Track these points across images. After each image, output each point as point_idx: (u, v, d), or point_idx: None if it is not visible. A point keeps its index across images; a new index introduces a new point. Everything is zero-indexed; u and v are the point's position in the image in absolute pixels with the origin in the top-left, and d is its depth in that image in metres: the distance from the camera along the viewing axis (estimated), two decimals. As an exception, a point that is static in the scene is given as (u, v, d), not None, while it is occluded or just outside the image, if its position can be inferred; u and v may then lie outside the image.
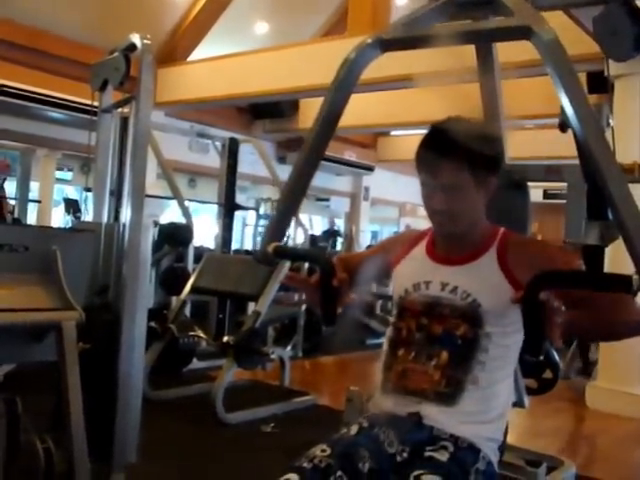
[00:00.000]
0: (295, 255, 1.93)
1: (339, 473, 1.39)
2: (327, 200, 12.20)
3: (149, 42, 2.52)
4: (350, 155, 10.11)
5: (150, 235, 2.72)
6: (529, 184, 1.98)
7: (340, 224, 12.83)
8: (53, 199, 8.39)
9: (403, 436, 1.47)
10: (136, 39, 2.54)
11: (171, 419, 3.71)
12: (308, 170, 1.82)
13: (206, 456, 3.19)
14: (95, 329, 2.58)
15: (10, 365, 3.74)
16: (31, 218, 8.18)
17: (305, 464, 1.40)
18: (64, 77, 6.20)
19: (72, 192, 9.32)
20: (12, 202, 8.17)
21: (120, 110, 2.88)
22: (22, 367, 3.66)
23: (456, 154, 1.46)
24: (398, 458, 1.45)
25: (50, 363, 2.14)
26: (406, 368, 1.53)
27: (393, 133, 10.89)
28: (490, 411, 1.49)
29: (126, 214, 2.55)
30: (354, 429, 1.54)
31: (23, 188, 8.24)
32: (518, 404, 2.04)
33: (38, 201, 8.30)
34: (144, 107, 2.48)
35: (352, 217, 11.74)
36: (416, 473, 1.36)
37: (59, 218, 8.63)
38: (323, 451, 1.44)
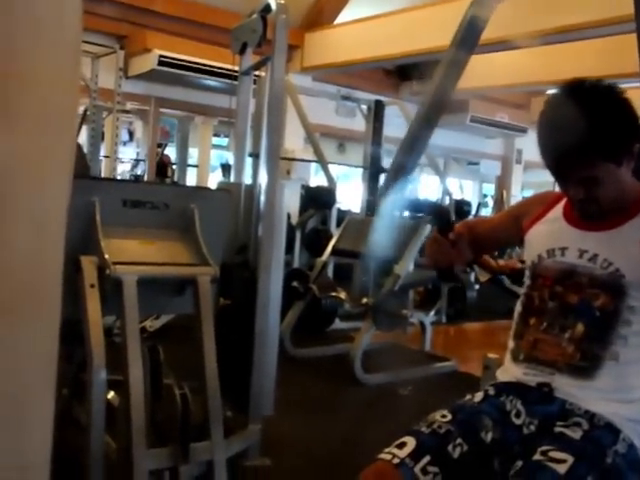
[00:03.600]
0: (411, 206, 1.87)
1: (459, 440, 1.33)
2: (477, 164, 11.79)
3: (283, 2, 2.53)
4: (502, 116, 9.63)
5: (290, 197, 2.77)
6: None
7: (490, 189, 12.37)
8: (210, 164, 8.84)
9: (531, 407, 1.39)
10: (271, 0, 2.55)
11: (310, 376, 3.81)
12: (428, 125, 1.73)
13: (341, 414, 3.25)
14: (234, 286, 2.69)
15: (165, 318, 4.04)
16: (190, 182, 8.70)
17: (423, 428, 1.36)
18: (218, 45, 6.44)
19: (231, 157, 9.77)
20: (172, 167, 8.75)
21: (258, 73, 2.92)
22: (177, 319, 3.94)
23: (587, 148, 1.31)
24: (525, 430, 1.37)
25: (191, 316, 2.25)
26: (537, 338, 1.43)
27: (549, 92, 10.21)
28: (632, 390, 1.35)
29: (263, 175, 2.61)
30: (479, 396, 1.47)
31: (182, 154, 8.75)
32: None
33: (196, 166, 8.79)
34: (278, 67, 2.50)
35: (503, 181, 11.24)
36: (544, 448, 1.27)
37: (216, 182, 9.11)
38: (443, 416, 1.39)
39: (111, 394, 2.22)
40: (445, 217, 1.54)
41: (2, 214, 1.19)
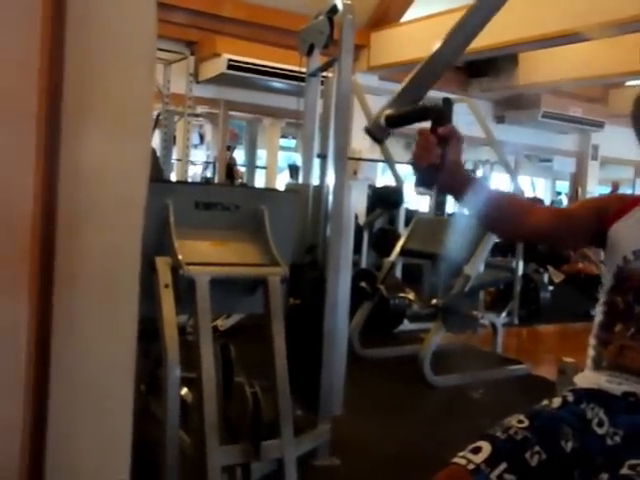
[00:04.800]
0: (406, 116, 1.63)
1: (537, 448, 1.27)
2: (550, 160, 11.44)
3: (349, 2, 2.53)
4: (575, 111, 9.32)
5: (357, 197, 2.77)
6: None
7: (564, 186, 12.00)
8: (278, 165, 8.93)
9: (616, 417, 1.31)
10: (337, 0, 2.56)
11: (379, 377, 3.79)
12: (445, 57, 1.66)
13: (410, 416, 3.22)
14: (303, 286, 2.72)
15: (235, 317, 4.11)
16: (258, 183, 8.82)
17: (499, 434, 1.31)
18: (285, 48, 6.52)
19: (298, 158, 9.87)
20: (242, 169, 8.89)
21: (325, 74, 2.93)
22: (247, 319, 4.00)
23: None
24: (608, 441, 1.29)
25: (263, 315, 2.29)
26: (624, 345, 1.35)
27: (628, 83, 9.80)
28: None
29: (331, 176, 2.62)
30: (557, 402, 1.41)
31: (250, 155, 8.89)
32: None
33: (264, 167, 8.90)
34: (345, 68, 2.51)
35: (578, 178, 10.87)
36: (632, 462, 1.20)
37: (284, 183, 9.20)
38: (520, 422, 1.34)
39: (185, 391, 2.28)
40: (439, 112, 1.35)
41: (82, 217, 1.25)
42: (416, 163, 1.33)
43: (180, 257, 2.01)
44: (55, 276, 1.17)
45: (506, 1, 1.66)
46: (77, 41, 1.21)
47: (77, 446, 1.19)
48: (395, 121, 1.57)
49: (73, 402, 1.18)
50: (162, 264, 2.01)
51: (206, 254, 2.11)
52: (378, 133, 1.62)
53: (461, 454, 1.28)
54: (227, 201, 2.20)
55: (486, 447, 1.27)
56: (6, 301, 1.21)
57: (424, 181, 1.36)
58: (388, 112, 1.55)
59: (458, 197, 1.40)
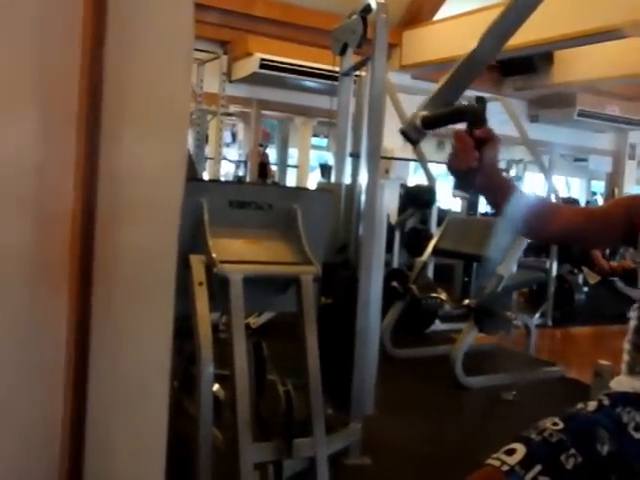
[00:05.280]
0: (442, 118, 1.60)
1: (572, 451, 1.26)
2: (585, 160, 11.25)
3: (383, 1, 2.52)
4: (612, 109, 9.15)
5: (390, 197, 2.77)
6: None
7: (600, 186, 11.79)
8: (309, 164, 8.95)
9: (652, 422, 1.30)
10: (371, 0, 2.56)
11: (410, 377, 3.78)
12: (483, 55, 1.63)
13: (442, 416, 3.20)
14: (335, 285, 2.72)
15: (267, 315, 4.14)
16: (290, 182, 8.85)
17: (533, 435, 1.30)
18: (318, 47, 6.53)
19: (330, 157, 9.89)
20: (273, 168, 8.94)
21: (358, 73, 2.93)
22: (278, 317, 4.02)
23: None
24: None
25: (295, 314, 2.30)
26: None
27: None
28: None
29: (363, 175, 2.62)
30: (592, 405, 1.39)
31: (282, 154, 8.92)
32: None
33: (296, 166, 8.93)
34: (379, 67, 2.50)
35: (614, 178, 10.68)
36: None
37: (315, 182, 9.22)
38: (555, 424, 1.32)
39: (217, 387, 2.30)
40: (475, 113, 1.32)
41: (120, 216, 1.27)
42: (453, 166, 1.30)
43: (214, 255, 2.03)
44: (94, 276, 1.19)
45: (543, -1, 1.63)
46: (117, 42, 1.23)
47: (114, 446, 1.21)
48: (431, 123, 1.56)
49: (111, 402, 1.20)
50: (196, 262, 2.03)
51: (240, 252, 2.13)
52: (414, 135, 1.60)
53: (495, 455, 1.27)
54: (260, 200, 2.21)
55: (520, 449, 1.26)
56: (46, 301, 1.24)
57: (462, 184, 1.34)
58: (424, 113, 1.53)
59: (494, 200, 1.39)
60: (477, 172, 1.29)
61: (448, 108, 1.57)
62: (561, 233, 1.46)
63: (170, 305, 1.27)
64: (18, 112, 1.23)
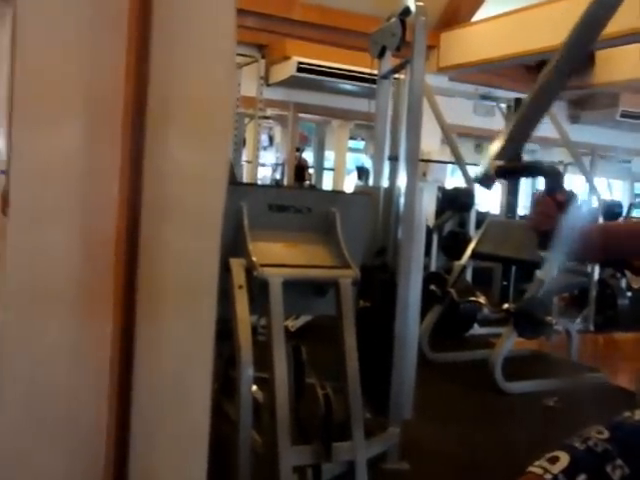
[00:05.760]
0: (519, 170, 1.64)
1: (619, 462, 1.22)
2: (629, 161, 11.01)
3: (422, 4, 2.51)
4: (657, 109, 8.94)
5: (428, 199, 2.76)
6: None
7: (643, 188, 11.52)
8: (346, 167, 8.95)
9: None
10: (410, 2, 2.55)
11: (449, 381, 3.75)
12: (555, 85, 1.59)
13: (481, 422, 3.16)
14: (373, 288, 2.71)
15: (304, 319, 4.15)
16: (326, 185, 8.85)
17: (577, 444, 1.27)
18: (355, 50, 6.53)
19: (366, 160, 9.88)
20: (310, 170, 8.96)
21: (397, 76, 2.92)
22: (315, 320, 4.03)
23: None
24: None
25: (333, 317, 2.30)
26: None
27: None
28: None
29: (402, 178, 2.61)
30: (639, 414, 1.36)
31: (319, 157, 8.94)
32: None
33: (332, 169, 8.93)
34: (418, 70, 2.49)
35: (660, 180, 10.42)
36: None
37: (352, 185, 9.21)
38: (600, 433, 1.29)
39: (256, 390, 2.31)
40: (556, 176, 1.39)
41: (165, 219, 1.29)
42: (536, 228, 1.37)
43: (254, 259, 2.04)
44: (138, 280, 1.21)
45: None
46: (161, 48, 1.25)
47: (157, 450, 1.23)
48: (506, 173, 1.60)
49: (154, 406, 1.21)
50: (236, 265, 2.05)
51: (279, 256, 2.14)
52: (487, 182, 1.63)
53: (537, 463, 1.25)
54: (299, 204, 2.22)
55: (564, 457, 1.23)
56: (91, 306, 1.26)
57: (543, 244, 1.39)
58: (499, 163, 1.55)
59: (585, 255, 1.43)
60: (557, 231, 1.34)
61: (526, 163, 1.62)
62: (626, 250, 1.47)
63: (213, 309, 1.28)
64: (65, 119, 1.26)
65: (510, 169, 1.58)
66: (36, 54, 1.25)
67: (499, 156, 1.55)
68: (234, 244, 2.09)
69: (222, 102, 1.28)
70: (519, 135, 1.67)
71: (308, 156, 9.26)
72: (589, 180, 6.39)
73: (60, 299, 1.27)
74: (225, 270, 2.06)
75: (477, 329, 4.84)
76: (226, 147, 1.34)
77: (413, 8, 2.56)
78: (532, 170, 1.53)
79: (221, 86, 1.29)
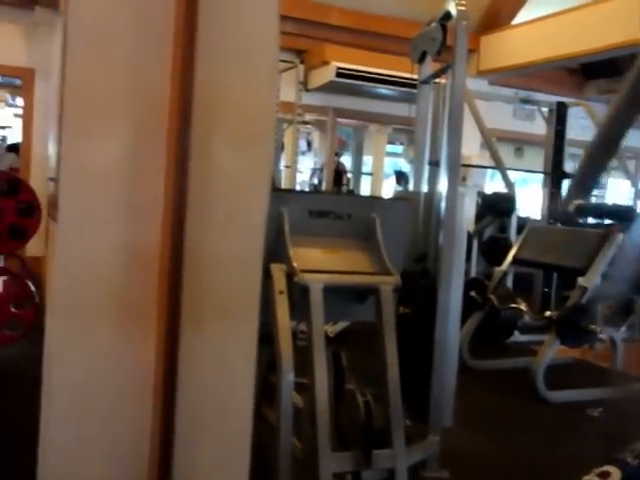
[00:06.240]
0: (599, 211, 1.63)
1: None
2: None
3: (464, 8, 2.49)
4: None
5: (468, 205, 2.73)
6: None
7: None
8: (384, 172, 8.92)
9: None
10: (451, 7, 2.53)
11: (489, 389, 3.69)
12: (625, 118, 1.56)
13: (522, 431, 3.11)
14: (413, 295, 2.69)
15: (343, 324, 4.14)
16: (364, 189, 8.84)
17: (629, 459, 1.24)
18: (394, 54, 6.51)
19: (404, 165, 9.84)
20: (348, 175, 8.96)
21: (437, 80, 2.91)
22: (353, 326, 4.02)
23: None
24: None
25: (372, 323, 2.29)
26: None
27: None
28: None
29: (443, 183, 2.59)
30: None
31: (357, 162, 8.93)
32: None
33: (370, 174, 8.92)
34: (459, 74, 2.47)
35: None
36: None
37: (390, 189, 9.18)
38: (652, 448, 1.26)
39: (294, 394, 2.31)
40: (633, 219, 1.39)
41: (209, 224, 1.30)
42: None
43: (295, 264, 2.05)
44: (183, 284, 1.22)
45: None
46: (206, 56, 1.26)
47: (201, 455, 1.24)
48: (585, 213, 1.59)
49: (198, 411, 1.23)
50: (277, 271, 2.05)
51: (319, 262, 2.14)
52: (568, 219, 1.63)
53: (587, 477, 1.22)
54: (340, 210, 2.22)
55: (615, 473, 1.21)
56: (136, 310, 1.28)
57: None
58: (579, 202, 1.54)
59: None
60: None
61: (609, 206, 1.61)
62: None
63: (255, 314, 1.28)
64: (113, 128, 1.28)
65: (590, 209, 1.57)
66: (85, 64, 1.28)
67: (576, 193, 1.53)
68: (275, 250, 2.10)
69: (265, 109, 1.29)
70: (593, 170, 1.65)
71: (346, 161, 9.26)
72: (634, 184, 6.26)
73: (106, 302, 1.29)
74: (266, 276, 2.07)
75: (518, 336, 4.77)
76: (269, 153, 1.35)
77: (454, 13, 2.54)
78: (613, 213, 1.51)
79: (264, 93, 1.29)
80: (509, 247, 4.70)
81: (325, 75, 6.82)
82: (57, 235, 1.28)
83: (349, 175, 8.98)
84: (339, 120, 7.97)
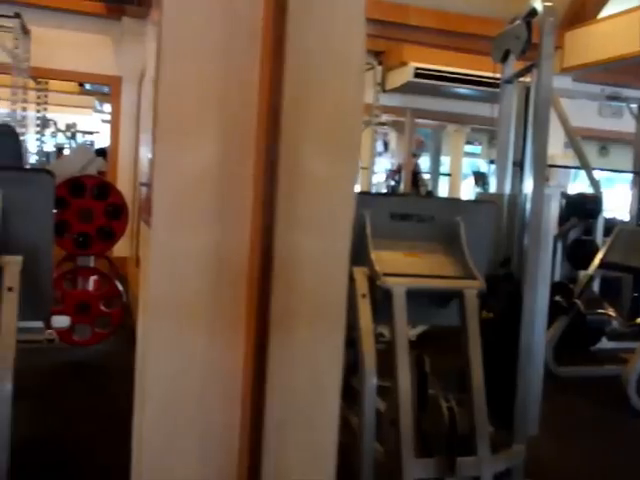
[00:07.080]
0: None
1: None
2: None
3: (551, 4, 2.41)
4: None
5: (552, 206, 2.65)
6: None
7: None
8: (462, 172, 8.77)
9: None
10: (537, 3, 2.45)
11: (576, 397, 3.57)
12: None
13: (612, 442, 2.99)
14: (497, 299, 2.63)
15: (422, 327, 4.09)
16: (442, 191, 8.72)
17: None
18: (474, 53, 6.40)
19: (483, 165, 9.65)
20: (426, 176, 8.86)
21: (522, 79, 2.83)
22: (432, 329, 3.97)
23: None
24: None
25: (456, 328, 2.25)
26: None
27: None
28: None
29: (528, 185, 2.52)
30: None
31: (435, 163, 8.82)
32: None
33: (448, 174, 8.79)
34: (546, 73, 2.39)
35: None
36: None
37: (468, 190, 9.02)
38: None
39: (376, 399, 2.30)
40: None
41: (298, 228, 1.31)
42: None
43: (377, 268, 2.04)
44: (273, 286, 1.24)
45: None
46: (295, 61, 1.27)
47: (289, 458, 1.25)
48: None
49: (286, 415, 1.24)
50: (360, 274, 2.05)
51: (402, 265, 2.12)
52: None
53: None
54: (422, 212, 2.20)
55: None
56: (226, 311, 1.31)
57: None
58: None
59: None
60: None
61: None
62: None
63: (342, 319, 1.29)
64: (204, 133, 1.31)
65: None
66: (177, 72, 1.32)
67: None
68: (357, 253, 2.09)
69: (353, 113, 1.29)
70: None
71: (423, 161, 9.16)
72: None
73: (197, 305, 1.33)
74: (349, 278, 2.07)
75: (605, 343, 4.58)
76: (356, 157, 1.35)
77: (540, 9, 2.46)
78: None
79: (352, 98, 1.30)
80: (595, 250, 4.53)
81: (403, 76, 6.78)
82: (151, 239, 1.32)
83: (424, 176, 8.88)
84: (417, 120, 7.91)
